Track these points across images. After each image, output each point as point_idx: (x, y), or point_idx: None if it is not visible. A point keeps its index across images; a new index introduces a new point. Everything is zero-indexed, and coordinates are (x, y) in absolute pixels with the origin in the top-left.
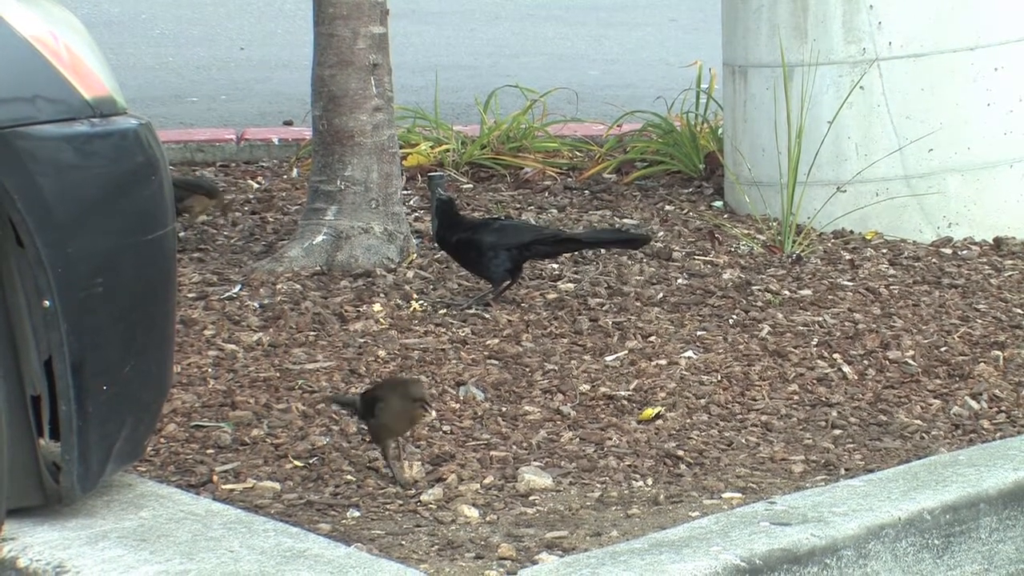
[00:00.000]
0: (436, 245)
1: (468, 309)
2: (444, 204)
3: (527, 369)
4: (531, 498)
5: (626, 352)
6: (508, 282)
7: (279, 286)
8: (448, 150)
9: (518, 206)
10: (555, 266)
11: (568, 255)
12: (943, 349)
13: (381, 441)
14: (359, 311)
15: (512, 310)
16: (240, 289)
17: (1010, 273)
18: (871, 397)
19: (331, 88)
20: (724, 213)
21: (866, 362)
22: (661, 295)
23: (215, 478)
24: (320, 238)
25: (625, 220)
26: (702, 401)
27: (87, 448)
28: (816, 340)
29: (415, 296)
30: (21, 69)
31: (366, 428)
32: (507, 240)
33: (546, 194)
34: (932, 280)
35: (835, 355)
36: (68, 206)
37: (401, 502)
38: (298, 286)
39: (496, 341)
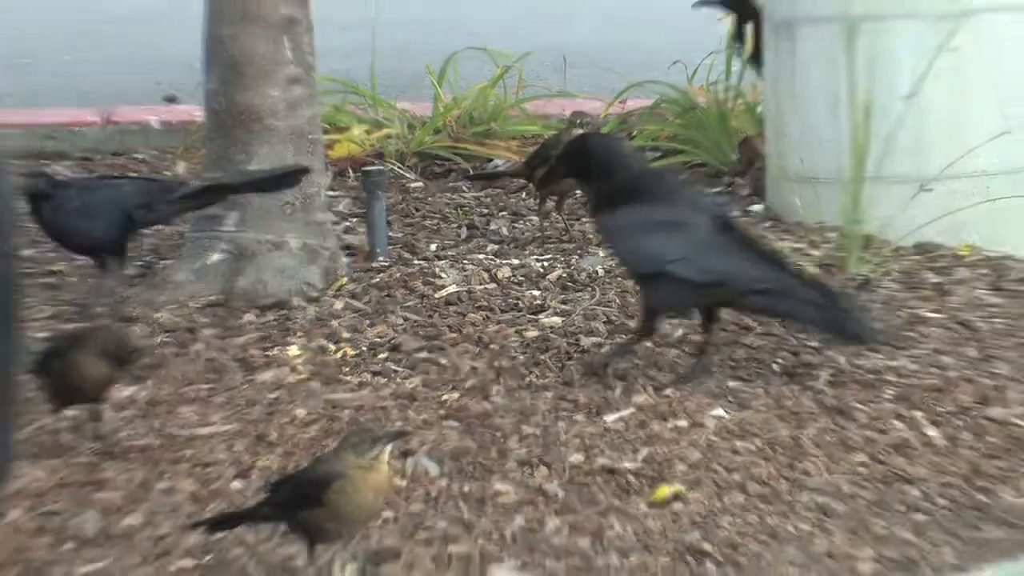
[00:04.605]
0: (374, 265)
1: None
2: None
3: (498, 433)
4: None
5: (633, 410)
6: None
7: (161, 321)
8: (390, 136)
9: (485, 211)
10: (536, 293)
11: None
12: None
13: (332, 539)
14: (268, 356)
15: (477, 354)
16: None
17: None
18: (966, 469)
19: (231, 52)
20: (766, 220)
21: (959, 422)
22: (680, 332)
23: None
24: (216, 256)
25: None
26: (736, 476)
27: None
28: (891, 392)
29: (345, 335)
30: None
31: (304, 524)
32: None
33: (523, 195)
34: None
35: (916, 412)
36: None
37: None
38: (186, 322)
39: (456, 395)
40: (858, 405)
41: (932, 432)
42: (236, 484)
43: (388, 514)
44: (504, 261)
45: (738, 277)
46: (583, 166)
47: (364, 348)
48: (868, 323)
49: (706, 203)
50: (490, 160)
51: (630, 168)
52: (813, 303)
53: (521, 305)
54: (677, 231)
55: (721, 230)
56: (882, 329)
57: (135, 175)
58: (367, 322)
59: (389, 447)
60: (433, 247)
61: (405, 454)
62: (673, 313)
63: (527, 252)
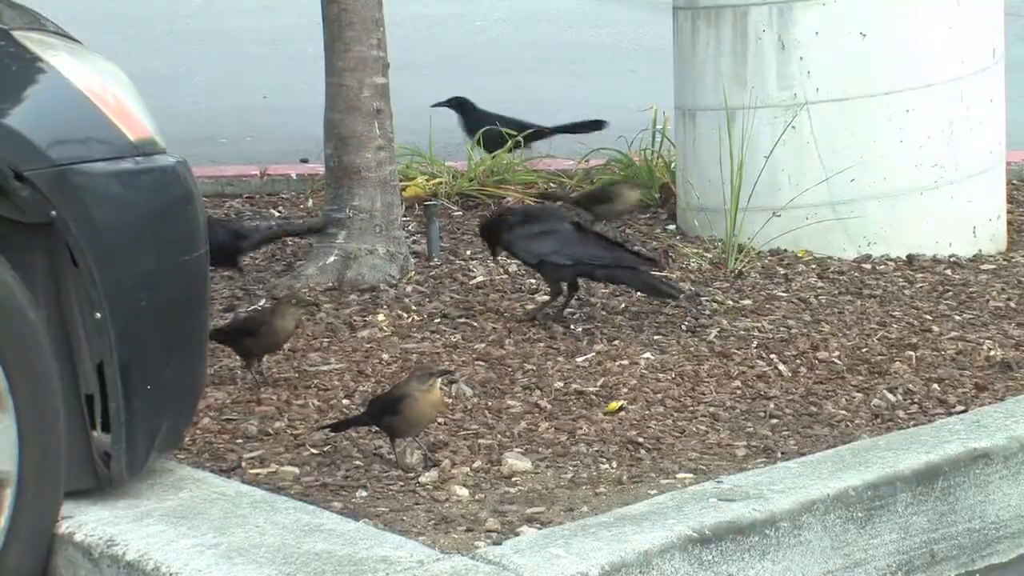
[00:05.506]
0: (431, 264)
1: None
2: None
3: (509, 369)
4: (513, 479)
5: (594, 354)
6: None
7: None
8: (441, 183)
9: None
10: (532, 281)
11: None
12: (864, 350)
13: (405, 436)
14: (365, 320)
15: (496, 319)
16: (264, 302)
17: (920, 285)
18: (803, 391)
19: (340, 131)
20: (676, 235)
21: (798, 361)
22: (623, 305)
23: (243, 464)
24: (332, 258)
25: None
26: (659, 395)
27: (133, 439)
28: (756, 343)
29: (413, 308)
30: (76, 115)
31: (387, 427)
32: None
33: None
34: (854, 291)
35: (772, 355)
36: (115, 232)
37: (402, 483)
38: (313, 300)
39: (483, 345)
40: (735, 351)
41: (782, 367)
42: (345, 401)
43: (440, 420)
44: (513, 261)
45: (589, 257)
46: (490, 232)
47: (425, 316)
48: (670, 285)
49: (567, 216)
50: (503, 198)
51: (513, 215)
52: (636, 270)
53: (523, 288)
54: (551, 236)
55: (578, 230)
56: (681, 289)
57: (262, 218)
58: (427, 299)
59: (440, 378)
60: (468, 252)
61: (450, 382)
62: (561, 282)
63: None
